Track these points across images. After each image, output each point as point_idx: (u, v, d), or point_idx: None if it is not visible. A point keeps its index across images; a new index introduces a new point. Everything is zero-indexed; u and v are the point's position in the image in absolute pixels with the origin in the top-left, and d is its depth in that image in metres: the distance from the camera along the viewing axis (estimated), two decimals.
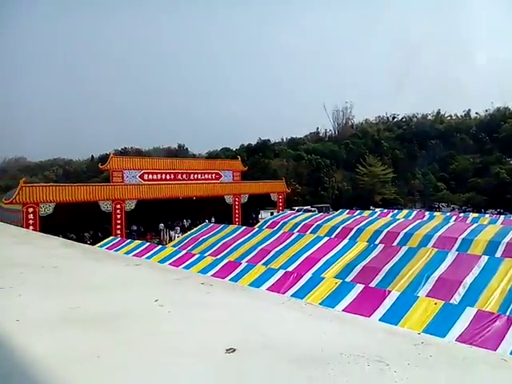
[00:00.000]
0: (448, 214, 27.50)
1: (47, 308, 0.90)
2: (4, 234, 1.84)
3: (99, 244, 18.27)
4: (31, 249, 1.54)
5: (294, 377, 0.60)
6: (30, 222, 25.14)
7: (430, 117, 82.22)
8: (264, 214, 38.60)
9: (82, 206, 27.64)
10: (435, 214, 27.44)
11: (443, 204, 58.86)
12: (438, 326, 7.80)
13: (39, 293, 1.02)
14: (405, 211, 28.49)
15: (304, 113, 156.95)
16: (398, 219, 21.33)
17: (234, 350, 0.67)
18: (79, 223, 29.07)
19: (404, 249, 13.53)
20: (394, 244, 15.78)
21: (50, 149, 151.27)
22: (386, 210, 31.61)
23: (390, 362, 0.67)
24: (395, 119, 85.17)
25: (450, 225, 17.66)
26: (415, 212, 28.16)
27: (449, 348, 0.79)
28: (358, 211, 30.21)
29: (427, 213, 28.61)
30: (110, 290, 0.94)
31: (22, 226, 25.01)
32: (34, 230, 25.07)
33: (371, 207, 48.80)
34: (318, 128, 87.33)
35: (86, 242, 26.97)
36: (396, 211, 28.89)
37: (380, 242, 16.01)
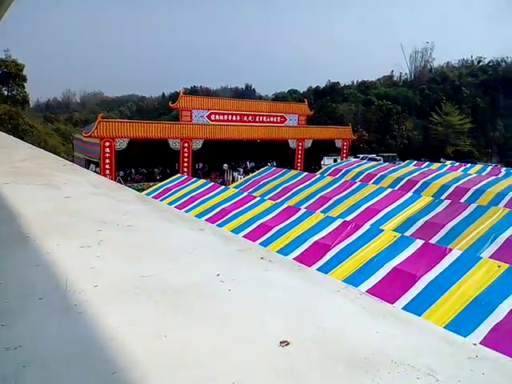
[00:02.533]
0: None
1: (122, 274, 0.96)
2: (85, 181, 2.01)
3: (168, 180, 19.27)
4: (108, 202, 1.63)
5: (345, 381, 0.61)
6: (107, 155, 26.87)
7: None
8: (327, 161, 38.08)
9: (153, 142, 28.95)
10: None
11: None
12: (499, 290, 7.61)
13: (115, 255, 1.08)
14: (478, 166, 26.78)
15: (379, 54, 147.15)
16: (470, 174, 20.14)
17: (288, 343, 0.68)
18: (150, 159, 30.60)
19: (472, 206, 12.93)
20: (462, 201, 15.08)
21: (125, 85, 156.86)
22: (457, 164, 29.86)
23: (440, 378, 0.65)
24: (481, 63, 77.36)
25: None
26: (490, 167, 26.37)
27: (506, 366, 0.74)
28: (427, 163, 28.79)
29: (504, 169, 26.66)
30: (177, 257, 1.03)
31: (99, 159, 26.90)
32: (110, 162, 26.88)
33: (442, 159, 46.19)
34: (392, 71, 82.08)
35: (155, 177, 28.58)
36: (469, 165, 27.20)
37: (446, 198, 15.38)
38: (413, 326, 0.79)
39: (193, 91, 74.04)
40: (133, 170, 30.24)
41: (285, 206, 13.87)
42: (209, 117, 31.89)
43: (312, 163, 37.72)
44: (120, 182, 28.07)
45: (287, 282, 0.95)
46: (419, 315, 7.09)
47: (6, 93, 46.57)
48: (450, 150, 56.61)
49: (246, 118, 33.66)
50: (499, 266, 8.33)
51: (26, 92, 48.35)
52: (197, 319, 0.74)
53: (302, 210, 13.12)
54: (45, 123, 56.35)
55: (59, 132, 50.72)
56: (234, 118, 33.11)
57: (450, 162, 37.74)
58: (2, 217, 1.27)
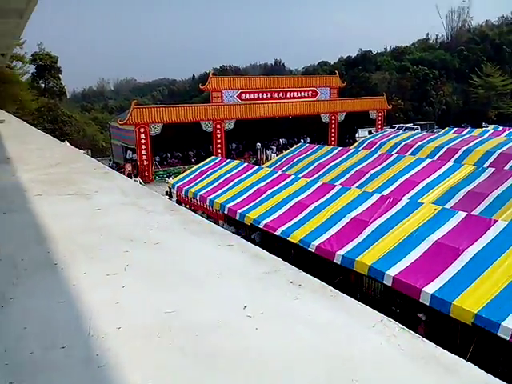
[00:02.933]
0: None
1: (146, 311, 0.91)
2: (115, 188, 1.98)
3: (202, 163, 19.52)
4: (136, 213, 1.61)
5: None
6: (143, 141, 27.41)
7: None
8: (361, 133, 37.19)
9: (186, 125, 29.22)
10: None
11: None
12: None
13: (140, 284, 1.03)
14: None
15: (412, 17, 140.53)
16: None
17: None
18: (184, 142, 30.97)
19: None
20: (507, 168, 14.41)
21: (156, 69, 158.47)
22: (500, 128, 28.43)
23: None
24: None
25: None
26: None
27: None
28: (468, 129, 27.58)
29: None
30: (203, 284, 1.02)
31: (135, 145, 27.48)
32: (146, 148, 27.39)
33: (484, 123, 44.08)
34: (427, 34, 78.02)
35: (190, 160, 28.97)
36: None
37: (490, 166, 14.74)
38: (456, 373, 0.72)
39: (222, 71, 73.57)
40: (168, 154, 30.73)
41: (320, 183, 13.75)
42: (239, 96, 31.72)
43: (346, 136, 36.94)
44: (157, 167, 28.63)
45: (318, 316, 0.90)
46: (464, 289, 6.88)
47: (43, 85, 48.01)
48: (492, 113, 53.72)
49: (276, 94, 33.22)
50: None
51: (62, 83, 49.68)
52: (222, 373, 0.71)
53: (338, 187, 12.96)
54: (82, 113, 58.05)
55: (96, 120, 52.12)
56: (265, 95, 32.75)
57: (493, 126, 35.97)
58: (34, 237, 1.30)
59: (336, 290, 1.06)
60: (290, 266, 1.23)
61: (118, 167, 30.10)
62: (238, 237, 1.48)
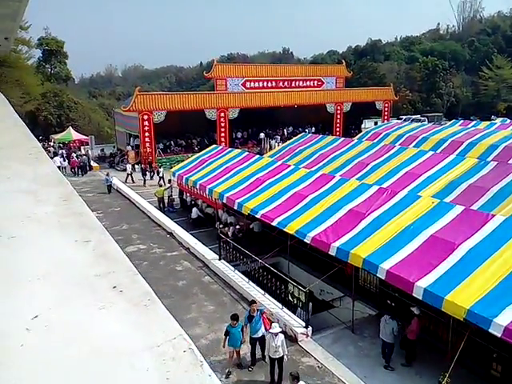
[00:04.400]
0: None
1: None
2: (28, 173, 1.78)
3: (203, 151, 19.45)
4: (22, 202, 1.45)
5: None
6: (146, 128, 27.34)
7: None
8: (368, 124, 36.82)
9: (190, 113, 29.08)
10: None
11: None
12: None
13: None
14: None
15: (424, 6, 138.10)
16: None
17: None
18: (188, 130, 30.84)
19: None
20: (511, 162, 14.18)
21: (165, 56, 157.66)
22: (508, 121, 27.99)
23: None
24: None
25: None
26: None
27: None
28: (474, 122, 27.17)
29: None
30: (13, 288, 0.91)
31: (139, 132, 27.41)
32: (149, 135, 27.27)
33: (493, 116, 43.45)
34: (438, 24, 76.93)
35: (193, 149, 28.90)
36: None
37: (493, 159, 14.53)
38: None
39: (230, 58, 73.15)
40: (172, 142, 30.64)
41: (319, 173, 13.63)
42: (244, 84, 31.47)
43: (351, 127, 36.61)
44: (160, 155, 28.59)
45: (106, 329, 0.78)
46: (457, 284, 6.75)
47: (49, 70, 48.03)
48: (502, 106, 52.90)
49: (281, 83, 32.92)
50: None
51: (68, 69, 49.67)
52: None
53: (337, 178, 12.84)
54: (89, 98, 58.02)
55: (103, 107, 52.06)
56: (270, 84, 32.47)
57: (501, 119, 35.41)
58: None
59: (156, 299, 0.94)
60: (132, 268, 1.08)
61: (122, 154, 30.11)
62: (106, 232, 1.32)
